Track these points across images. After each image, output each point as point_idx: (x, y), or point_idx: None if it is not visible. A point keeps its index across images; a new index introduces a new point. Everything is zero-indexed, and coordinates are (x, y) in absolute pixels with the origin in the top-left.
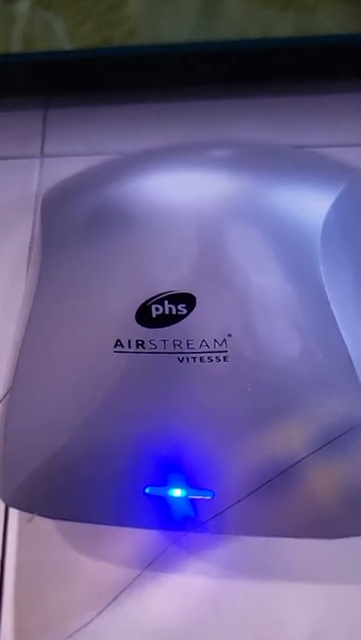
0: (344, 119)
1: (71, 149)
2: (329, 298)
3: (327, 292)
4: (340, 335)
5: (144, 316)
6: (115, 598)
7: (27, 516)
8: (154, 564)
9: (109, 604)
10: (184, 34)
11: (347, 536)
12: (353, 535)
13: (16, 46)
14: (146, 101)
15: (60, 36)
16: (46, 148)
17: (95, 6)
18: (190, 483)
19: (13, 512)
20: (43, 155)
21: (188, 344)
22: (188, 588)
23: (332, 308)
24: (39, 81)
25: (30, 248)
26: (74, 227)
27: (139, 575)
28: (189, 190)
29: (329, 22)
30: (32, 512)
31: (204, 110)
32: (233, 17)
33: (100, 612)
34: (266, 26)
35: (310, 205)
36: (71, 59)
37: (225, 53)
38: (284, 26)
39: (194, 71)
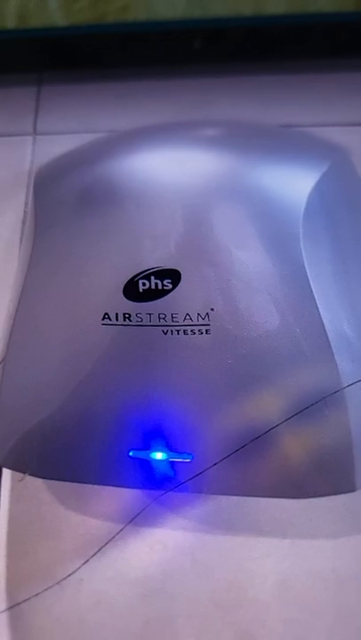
0: (332, 99)
1: (64, 127)
2: (308, 275)
3: (307, 269)
4: (318, 311)
5: (131, 290)
6: (100, 549)
7: (18, 475)
8: (136, 519)
9: (95, 554)
10: (177, 10)
11: (314, 496)
12: (320, 495)
13: (11, 22)
14: (138, 79)
15: (54, 12)
16: (39, 126)
17: None
18: (171, 446)
19: (6, 472)
20: (35, 132)
21: (173, 317)
22: (166, 540)
23: (311, 285)
24: (33, 57)
25: (23, 224)
26: (65, 203)
27: (122, 529)
28: (177, 169)
29: (321, 1)
30: (24, 472)
31: (195, 88)
32: None
33: (86, 562)
34: (259, 3)
35: (294, 184)
36: (65, 35)
37: (217, 30)
38: (276, 3)
39: (186, 48)
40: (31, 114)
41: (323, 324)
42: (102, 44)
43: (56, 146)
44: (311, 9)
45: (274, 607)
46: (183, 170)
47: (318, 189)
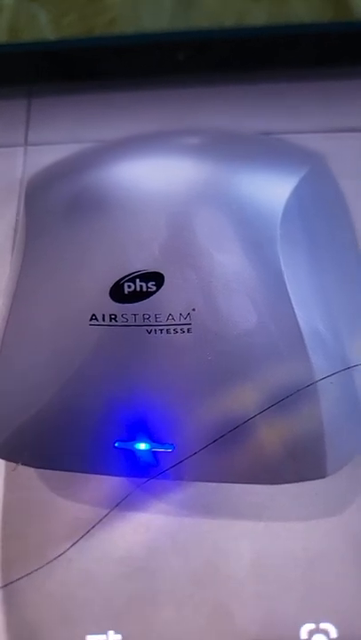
0: (308, 107)
1: (54, 138)
2: (285, 277)
3: (284, 271)
4: (293, 310)
5: (117, 292)
6: (87, 532)
7: (11, 465)
8: (121, 504)
9: (82, 536)
10: (162, 23)
11: (288, 482)
12: (293, 481)
13: (1, 36)
14: (125, 90)
15: (44, 26)
16: (30, 137)
17: None
18: (154, 438)
19: (0, 462)
20: (27, 143)
21: (157, 317)
22: (149, 524)
23: (288, 286)
24: (23, 70)
25: (15, 231)
26: (55, 211)
27: (108, 513)
28: (160, 177)
29: (301, 11)
30: (16, 462)
31: (180, 98)
32: (208, 6)
33: (74, 544)
34: (241, 15)
35: (272, 190)
36: (55, 48)
37: (201, 41)
38: (258, 14)
39: (171, 59)
40: (22, 125)
41: (298, 323)
42: (91, 56)
43: (47, 156)
44: (291, 19)
45: (248, 583)
46: (166, 178)
47: (296, 195)
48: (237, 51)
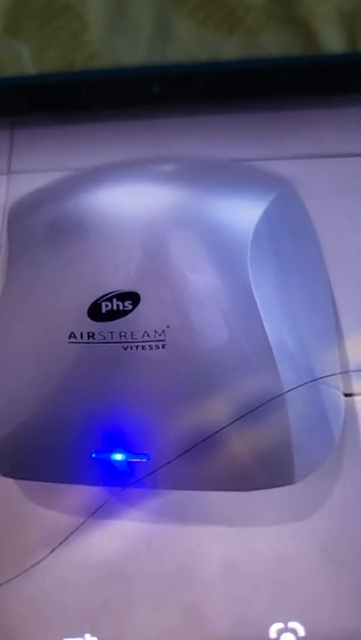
0: (279, 134)
1: (36, 166)
2: (255, 294)
3: (253, 289)
4: (263, 325)
5: (95, 311)
6: (65, 539)
7: None
8: (98, 512)
9: (60, 544)
10: (139, 57)
11: (258, 488)
12: (263, 488)
13: None
14: (103, 121)
15: (26, 61)
16: (13, 165)
17: (58, 33)
18: (129, 449)
19: None
20: (10, 171)
21: (133, 335)
22: (124, 530)
23: (257, 303)
24: (6, 103)
25: None
26: (35, 235)
27: (85, 521)
28: (136, 202)
29: (271, 45)
30: None
31: (155, 128)
32: (183, 42)
33: (52, 551)
34: (214, 49)
35: (243, 214)
36: (36, 82)
37: (175, 75)
38: (230, 49)
39: (147, 92)
40: (6, 154)
41: (267, 337)
42: (71, 89)
43: (29, 183)
44: (261, 53)
45: (219, 585)
46: (141, 203)
47: (265, 217)
48: (210, 83)
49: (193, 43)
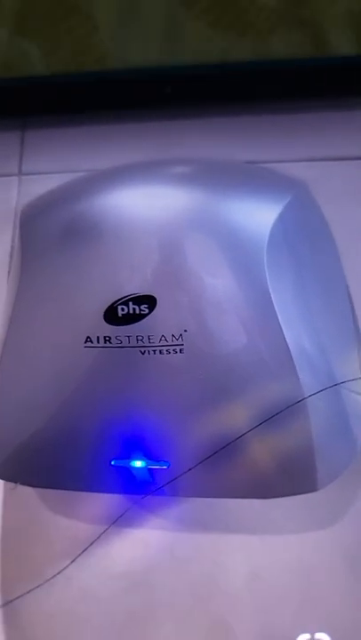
0: (293, 137)
1: (47, 167)
2: (272, 298)
3: (271, 292)
4: (281, 330)
5: (111, 315)
6: (85, 549)
7: (10, 485)
8: (118, 521)
9: (80, 554)
10: (150, 59)
11: (280, 496)
12: (285, 495)
13: None
14: (115, 122)
15: (37, 62)
16: (24, 167)
17: (68, 34)
18: (149, 455)
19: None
20: (21, 173)
21: (150, 339)
22: (146, 539)
23: (275, 307)
24: (17, 104)
25: (11, 257)
26: (49, 238)
27: (105, 530)
28: (151, 204)
29: (282, 47)
30: (15, 482)
31: (168, 129)
32: (194, 43)
33: (73, 561)
34: (224, 51)
35: (259, 216)
36: (47, 83)
37: (186, 76)
38: (241, 51)
39: (159, 93)
40: (17, 156)
41: (286, 342)
42: (82, 90)
43: (40, 185)
44: (273, 55)
45: (245, 596)
46: (158, 205)
47: (281, 220)
48: (222, 84)
49: (204, 44)
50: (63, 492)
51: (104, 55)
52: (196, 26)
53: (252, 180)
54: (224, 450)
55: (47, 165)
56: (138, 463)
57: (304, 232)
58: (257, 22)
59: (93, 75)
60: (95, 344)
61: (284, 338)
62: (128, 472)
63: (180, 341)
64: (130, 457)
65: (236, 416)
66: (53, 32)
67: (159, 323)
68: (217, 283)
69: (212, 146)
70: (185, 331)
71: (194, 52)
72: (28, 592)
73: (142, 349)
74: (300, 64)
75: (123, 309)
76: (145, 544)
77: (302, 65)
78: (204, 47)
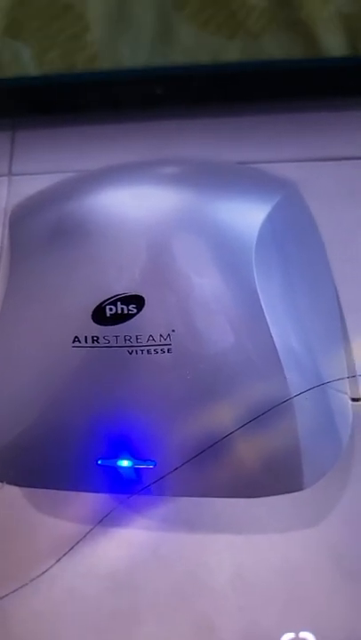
0: (283, 137)
1: (37, 168)
2: (260, 297)
3: (259, 292)
4: (269, 330)
5: (99, 315)
6: (71, 549)
7: None
8: (104, 520)
9: (66, 553)
10: (141, 59)
11: (266, 495)
12: (271, 494)
13: None
14: (105, 123)
15: (27, 62)
16: (14, 167)
17: (60, 34)
18: (136, 455)
19: None
20: (11, 173)
21: (137, 339)
22: (132, 539)
23: (263, 307)
24: (7, 104)
25: (0, 257)
26: (38, 238)
27: (91, 530)
28: (140, 204)
29: (273, 48)
30: (1, 481)
31: (157, 130)
32: (184, 44)
33: (58, 560)
34: (216, 52)
35: (247, 216)
36: (37, 83)
37: (177, 77)
38: (231, 52)
39: (150, 93)
40: (6, 156)
41: (273, 341)
42: (72, 91)
43: (30, 185)
44: (262, 56)
45: (230, 596)
46: (146, 205)
47: (270, 220)
48: (213, 85)
49: (195, 45)
50: (49, 491)
51: (95, 56)
52: (187, 26)
53: (241, 180)
54: (210, 449)
55: (37, 166)
56: (124, 462)
57: (293, 232)
58: (248, 23)
59: (84, 75)
60: (83, 344)
61: (272, 337)
62: (115, 471)
63: (167, 341)
64: (116, 456)
65: (223, 415)
66: (44, 32)
67: (147, 323)
68: (205, 282)
69: (202, 146)
70: (173, 331)
71: (185, 53)
72: (12, 592)
73: (130, 349)
74: (290, 65)
75: (111, 309)
76: (130, 544)
77: (293, 66)
78: (195, 48)
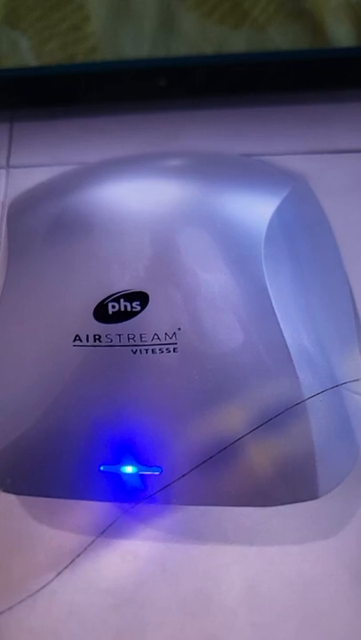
0: (290, 129)
1: (36, 161)
2: (270, 294)
3: (269, 288)
4: (280, 328)
5: (101, 312)
6: (72, 562)
7: None
8: (107, 531)
9: (67, 566)
10: (143, 50)
11: (279, 504)
12: (284, 503)
13: None
14: (106, 115)
15: (26, 53)
16: (12, 160)
17: (59, 25)
18: (141, 460)
19: None
20: (9, 166)
21: (142, 337)
22: (136, 551)
23: (273, 304)
24: (5, 96)
25: None
26: (37, 232)
27: (93, 541)
28: (144, 197)
29: (279, 39)
30: None
31: (160, 122)
32: (188, 35)
33: (58, 574)
34: (220, 42)
35: (256, 210)
36: (36, 75)
37: (180, 68)
38: (237, 42)
39: (152, 85)
40: (5, 149)
41: (284, 340)
42: (72, 82)
43: (29, 178)
44: (269, 47)
45: (242, 612)
46: (150, 198)
47: (279, 214)
48: (217, 77)
49: (198, 36)
50: (48, 499)
51: (96, 46)
52: (190, 16)
53: (249, 172)
54: (220, 455)
55: (36, 158)
56: (128, 469)
57: (303, 226)
58: (253, 13)
59: (85, 66)
60: (84, 343)
61: (283, 336)
62: (118, 478)
63: (173, 340)
64: (120, 462)
65: (233, 419)
66: (44, 22)
67: (152, 320)
68: (212, 279)
69: (207, 138)
70: (179, 329)
71: (189, 44)
72: (8, 608)
73: (134, 348)
74: (297, 56)
75: (113, 307)
76: (135, 556)
77: (300, 56)
78: (198, 38)
